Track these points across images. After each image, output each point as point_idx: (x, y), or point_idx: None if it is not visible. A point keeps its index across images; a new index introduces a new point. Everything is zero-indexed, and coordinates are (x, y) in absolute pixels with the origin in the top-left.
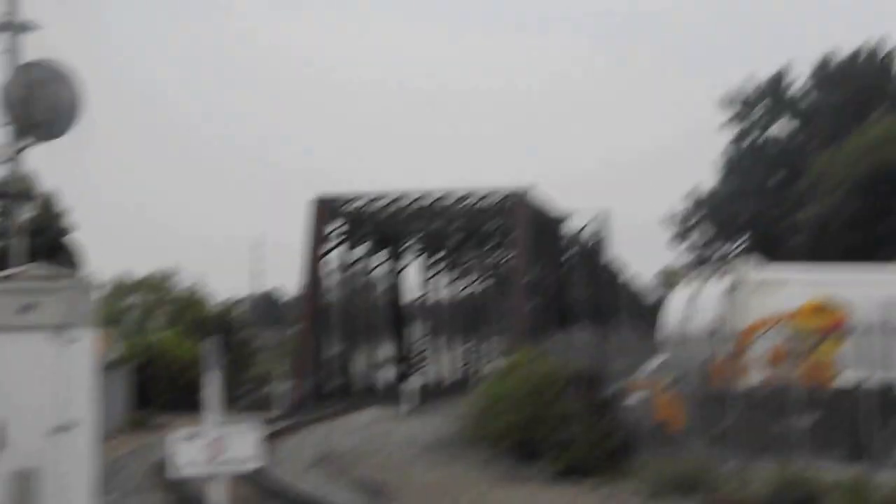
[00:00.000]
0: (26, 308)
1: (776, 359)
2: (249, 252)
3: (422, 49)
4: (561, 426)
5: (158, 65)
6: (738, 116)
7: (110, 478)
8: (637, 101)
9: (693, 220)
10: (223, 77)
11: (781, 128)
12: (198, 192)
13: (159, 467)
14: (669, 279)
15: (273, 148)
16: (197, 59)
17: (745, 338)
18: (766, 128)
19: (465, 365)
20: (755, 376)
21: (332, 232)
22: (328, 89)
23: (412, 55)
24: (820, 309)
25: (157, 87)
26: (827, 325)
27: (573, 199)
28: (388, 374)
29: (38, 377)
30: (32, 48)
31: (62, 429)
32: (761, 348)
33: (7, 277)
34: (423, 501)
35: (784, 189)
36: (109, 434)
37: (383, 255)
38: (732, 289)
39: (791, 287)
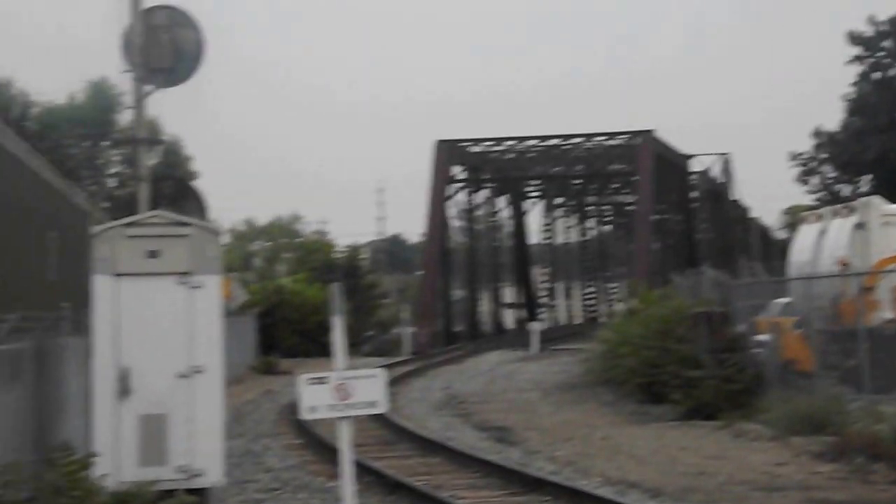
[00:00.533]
0: (153, 254)
1: None
2: (374, 197)
3: None
4: (687, 366)
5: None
6: (864, 54)
7: (239, 421)
8: (762, 43)
9: (818, 160)
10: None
11: None
12: (320, 138)
13: (288, 410)
14: (796, 218)
15: (395, 93)
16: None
17: (874, 275)
18: (891, 65)
19: (589, 307)
20: (884, 313)
21: (455, 176)
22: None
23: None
24: None
25: (271, 42)
26: None
27: (697, 142)
28: (512, 316)
29: (166, 322)
30: None
31: (190, 373)
32: (889, 285)
33: (134, 223)
34: (549, 443)
35: None
36: (237, 378)
37: (506, 199)
38: (860, 226)
39: None
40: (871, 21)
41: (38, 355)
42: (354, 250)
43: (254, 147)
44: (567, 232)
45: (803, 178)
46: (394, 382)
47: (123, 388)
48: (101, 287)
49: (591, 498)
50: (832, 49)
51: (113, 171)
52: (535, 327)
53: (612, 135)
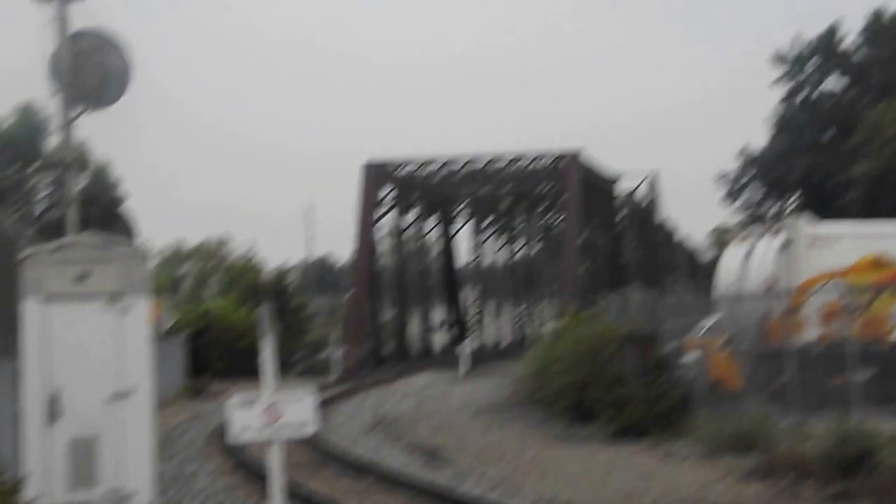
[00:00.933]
0: (82, 277)
1: (831, 315)
2: (301, 220)
3: (455, 19)
4: (616, 386)
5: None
6: (789, 74)
7: (169, 444)
8: (684, 58)
9: (744, 179)
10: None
11: (833, 84)
12: (247, 167)
13: (217, 434)
14: (722, 238)
15: (320, 120)
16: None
17: (800, 294)
18: (817, 84)
19: (518, 328)
20: (811, 332)
21: (383, 198)
22: (369, 66)
23: (449, 25)
24: (875, 263)
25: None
26: (882, 279)
27: (621, 160)
28: (442, 338)
29: (95, 345)
30: (80, 17)
31: (119, 396)
32: (816, 304)
33: (62, 247)
34: (480, 463)
35: (836, 146)
36: (167, 401)
37: (435, 219)
38: (786, 246)
39: (845, 242)
40: (796, 41)
41: None
42: (282, 272)
43: (183, 173)
44: (496, 253)
45: (730, 197)
46: (324, 403)
47: (53, 411)
48: (30, 310)
49: None
50: (758, 68)
51: (41, 194)
52: (465, 348)
53: (539, 157)
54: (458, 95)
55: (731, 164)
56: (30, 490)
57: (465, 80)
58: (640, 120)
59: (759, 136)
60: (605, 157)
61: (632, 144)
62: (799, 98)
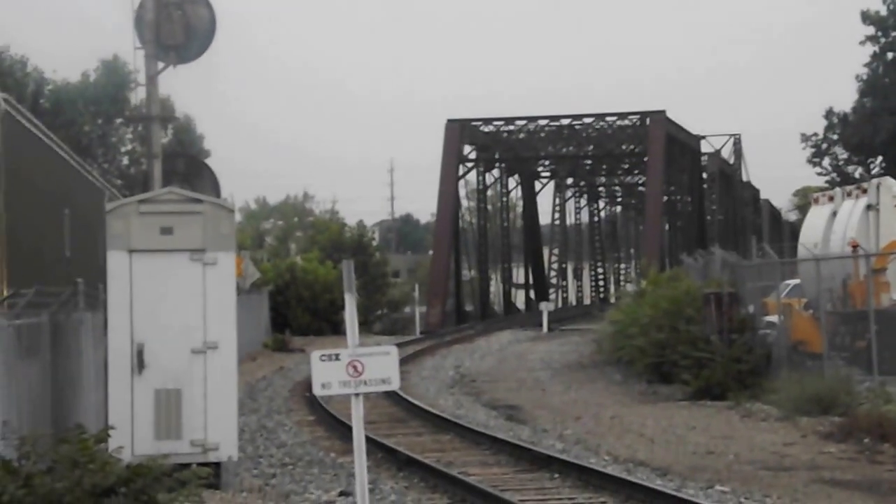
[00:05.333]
0: (167, 230)
1: None
2: (386, 176)
3: None
4: (697, 347)
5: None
6: (879, 33)
7: (253, 397)
8: (775, 22)
9: (829, 141)
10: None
11: None
12: (331, 121)
13: (300, 388)
14: (806, 199)
15: (405, 76)
16: None
17: (885, 256)
18: None
19: (600, 287)
20: (894, 295)
21: (467, 155)
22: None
23: None
24: None
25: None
26: None
27: (703, 121)
28: (523, 297)
29: (180, 298)
30: None
31: (204, 349)
32: None
33: (147, 200)
34: (559, 421)
35: None
36: (250, 355)
37: (517, 179)
38: (871, 207)
39: None
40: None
41: (54, 330)
42: (364, 229)
43: (265, 129)
44: (578, 213)
45: (814, 159)
46: (405, 361)
47: (138, 363)
48: (116, 263)
49: (600, 475)
50: (846, 28)
51: (126, 148)
52: (546, 307)
53: (623, 115)
54: (541, 49)
55: (817, 125)
56: (115, 440)
57: (548, 35)
58: (721, 76)
59: (845, 96)
60: (688, 117)
61: (714, 104)
62: (886, 59)
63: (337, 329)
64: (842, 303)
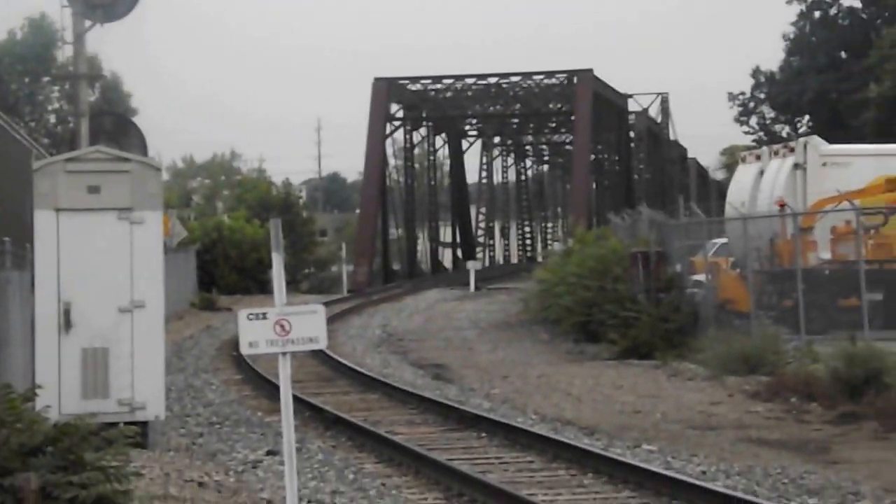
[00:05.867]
0: (94, 189)
1: (842, 236)
2: (314, 135)
3: None
4: (624, 306)
5: None
6: None
7: (180, 356)
8: None
9: (756, 100)
10: None
11: (848, 2)
12: (257, 78)
13: (227, 346)
14: (733, 158)
15: (333, 33)
16: None
17: (811, 215)
18: (833, 4)
19: (527, 246)
20: (821, 254)
21: (394, 114)
22: None
23: None
24: (888, 185)
25: None
26: (894, 201)
27: (630, 80)
28: (450, 256)
29: (106, 257)
30: None
31: (131, 308)
32: (827, 226)
33: (75, 159)
34: (486, 380)
35: (850, 67)
36: (177, 314)
37: (444, 137)
38: (798, 166)
39: (858, 164)
40: None
41: None
42: (290, 187)
43: (193, 87)
44: (505, 172)
45: (741, 118)
46: (332, 320)
47: (65, 322)
48: (42, 222)
49: (527, 434)
50: None
51: (53, 107)
52: (473, 266)
53: (550, 73)
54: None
55: (744, 84)
56: (41, 400)
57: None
58: (647, 33)
59: (772, 56)
60: (616, 76)
61: (641, 63)
62: (813, 17)
63: (264, 288)
64: (769, 262)
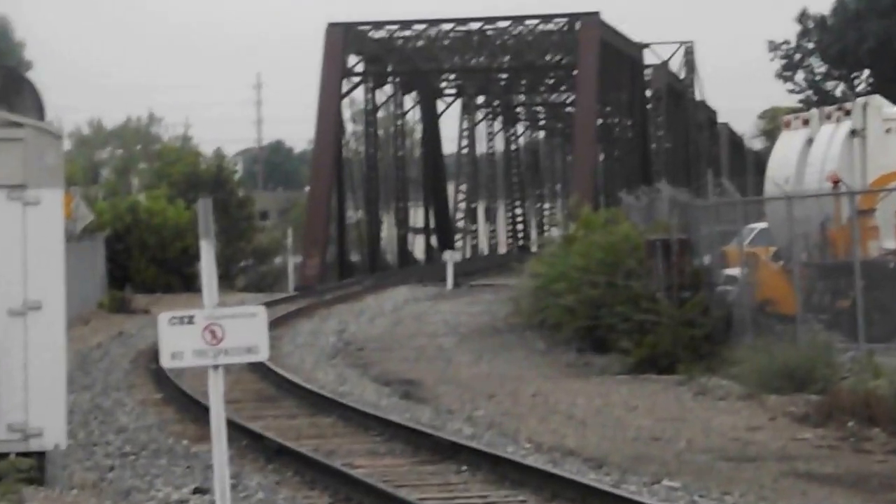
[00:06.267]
0: None
1: None
2: (251, 94)
3: None
4: (639, 306)
5: None
6: None
7: (86, 370)
8: None
9: (804, 51)
10: None
11: None
12: (186, 20)
13: (145, 357)
14: (776, 123)
15: None
16: None
17: (873, 194)
18: None
19: (518, 233)
20: (885, 243)
21: (352, 68)
22: None
23: None
24: None
25: None
26: None
27: (649, 28)
28: (423, 245)
29: None
30: None
31: (25, 310)
32: (893, 208)
33: None
34: (467, 400)
35: None
36: (83, 318)
37: (415, 97)
38: (856, 133)
39: None
40: None
41: None
42: (224, 160)
43: (102, 31)
44: (491, 140)
45: (785, 73)
46: (276, 324)
47: None
48: None
49: (519, 468)
50: None
51: None
52: (451, 257)
53: (547, 18)
54: None
55: (788, 31)
56: None
57: None
58: None
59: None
60: (630, 21)
61: (659, 4)
62: None
63: (190, 285)
64: (820, 252)
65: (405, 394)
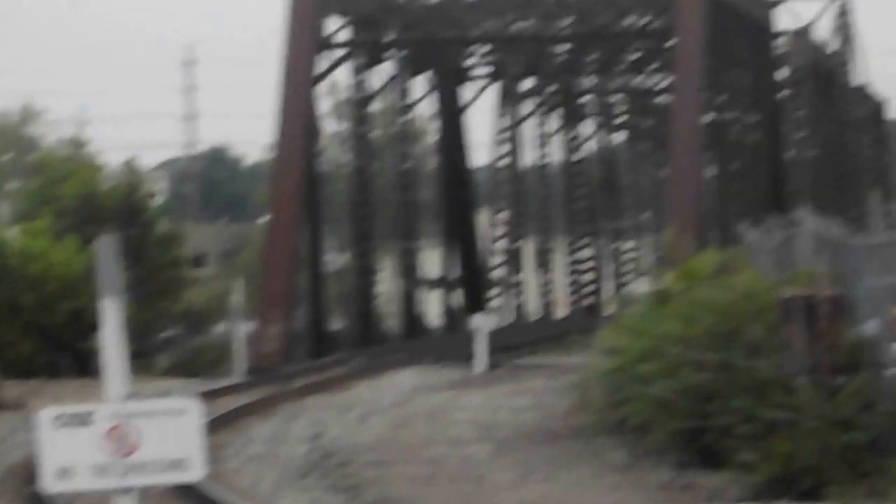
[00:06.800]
0: None
1: None
2: (178, 77)
3: None
4: (769, 399)
5: None
6: None
7: None
8: None
9: None
10: None
11: None
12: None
13: (17, 477)
14: None
15: None
16: None
17: None
18: None
19: (585, 286)
20: None
21: (330, 38)
22: None
23: None
24: None
25: None
26: None
27: None
28: (440, 304)
29: None
30: None
31: None
32: None
33: None
34: None
35: None
36: None
37: (428, 80)
38: None
39: None
40: None
41: None
42: (137, 175)
43: None
44: (544, 145)
45: None
46: (218, 426)
47: None
48: None
49: None
50: None
51: None
52: (484, 324)
53: None
54: None
55: None
56: None
57: None
58: None
59: None
60: None
61: None
62: None
63: (86, 366)
64: None
65: None
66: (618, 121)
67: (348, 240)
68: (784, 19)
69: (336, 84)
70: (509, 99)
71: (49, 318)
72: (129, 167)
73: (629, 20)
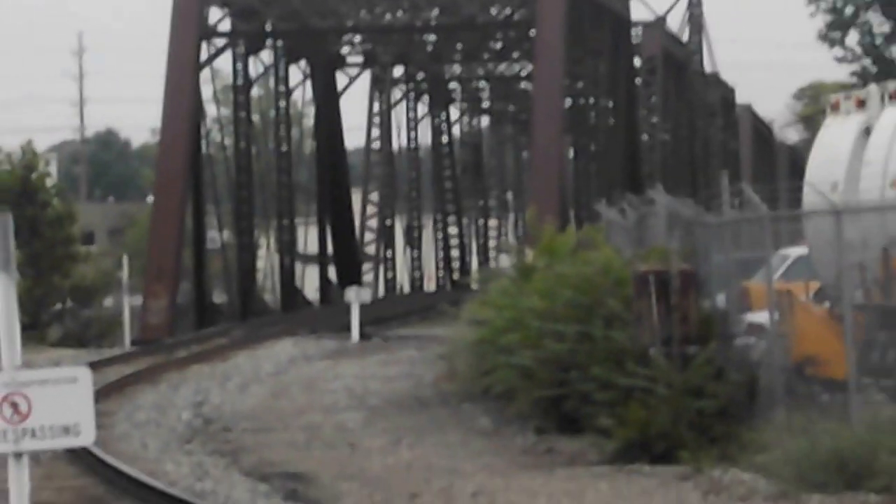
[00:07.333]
0: None
1: None
2: (70, 62)
3: None
4: (625, 367)
5: None
6: None
7: None
8: None
9: (859, 3)
10: None
11: None
12: None
13: None
14: (818, 106)
15: None
16: None
17: None
18: None
19: (453, 262)
20: None
21: (215, 27)
22: None
23: None
24: None
25: None
26: None
27: None
28: (316, 278)
29: None
30: None
31: None
32: None
33: None
34: (380, 503)
35: None
36: None
37: (305, 68)
38: None
39: None
40: None
41: None
42: (31, 157)
43: None
44: (413, 129)
45: (831, 34)
46: (106, 394)
47: None
48: None
49: None
50: None
51: None
52: (357, 297)
53: None
54: None
55: None
56: None
57: None
58: None
59: None
60: None
61: None
62: None
63: None
64: (882, 290)
65: (291, 494)
66: (483, 106)
67: (230, 218)
68: (639, 10)
69: (219, 71)
70: (381, 85)
71: None
72: (26, 150)
73: (494, 10)
